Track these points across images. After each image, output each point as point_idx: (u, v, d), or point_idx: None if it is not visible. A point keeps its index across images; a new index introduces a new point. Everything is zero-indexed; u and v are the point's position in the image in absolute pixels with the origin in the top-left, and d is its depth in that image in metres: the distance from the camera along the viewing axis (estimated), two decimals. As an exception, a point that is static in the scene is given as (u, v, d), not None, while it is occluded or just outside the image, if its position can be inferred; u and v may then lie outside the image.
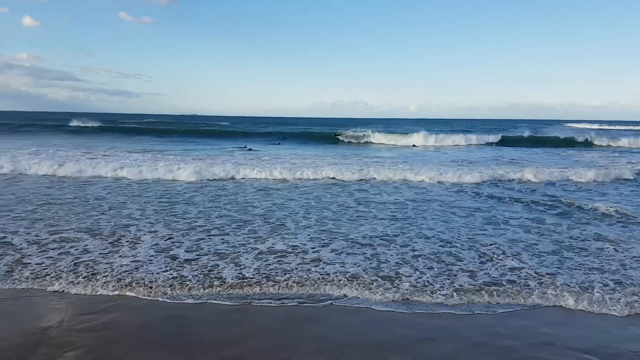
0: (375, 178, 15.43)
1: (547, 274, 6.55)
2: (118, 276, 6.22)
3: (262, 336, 4.77)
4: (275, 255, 7.23)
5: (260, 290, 5.88)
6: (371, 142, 36.94)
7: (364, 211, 10.47)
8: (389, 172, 15.98)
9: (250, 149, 28.41)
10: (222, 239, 8.06)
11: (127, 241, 7.79)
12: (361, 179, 15.21)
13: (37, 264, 6.62)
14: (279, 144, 34.29)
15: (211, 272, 6.43)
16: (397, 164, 19.78)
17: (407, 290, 5.91)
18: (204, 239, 8.03)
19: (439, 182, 15.02)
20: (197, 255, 7.16)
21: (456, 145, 35.50)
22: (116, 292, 5.75)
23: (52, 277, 6.14)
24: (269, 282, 6.08)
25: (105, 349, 4.50)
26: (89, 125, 47.53)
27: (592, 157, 25.45)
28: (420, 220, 9.61)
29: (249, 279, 6.19)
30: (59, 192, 12.31)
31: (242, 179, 15.06)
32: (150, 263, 6.75)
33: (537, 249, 7.72)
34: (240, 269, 6.57)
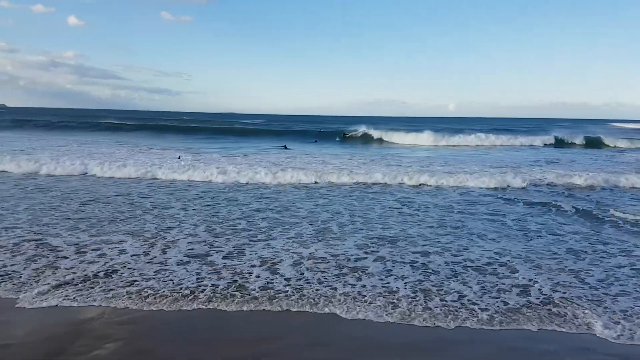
0: (427, 184, 14.66)
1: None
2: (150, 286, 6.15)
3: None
4: (316, 262, 7.07)
5: (287, 306, 5.56)
6: (390, 142, 36.12)
7: (410, 214, 10.26)
8: (440, 177, 15.25)
9: (285, 147, 29.17)
10: (268, 244, 7.97)
11: (165, 244, 7.82)
12: (401, 183, 14.80)
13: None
14: (315, 141, 34.15)
15: (244, 281, 6.26)
16: (434, 164, 19.34)
17: (454, 314, 5.46)
18: (247, 243, 7.96)
19: (467, 186, 14.52)
20: (238, 261, 7.06)
21: (499, 145, 34.53)
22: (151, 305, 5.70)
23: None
24: (300, 299, 5.75)
25: (142, 342, 4.63)
26: (131, 123, 48.53)
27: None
28: (469, 228, 9.32)
29: (281, 291, 5.95)
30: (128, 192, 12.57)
31: (279, 184, 14.48)
32: (183, 268, 6.73)
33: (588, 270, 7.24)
34: (272, 279, 6.35)
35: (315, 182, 14.61)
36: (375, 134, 38.03)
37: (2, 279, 6.08)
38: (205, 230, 8.61)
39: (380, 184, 14.55)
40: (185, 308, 5.38)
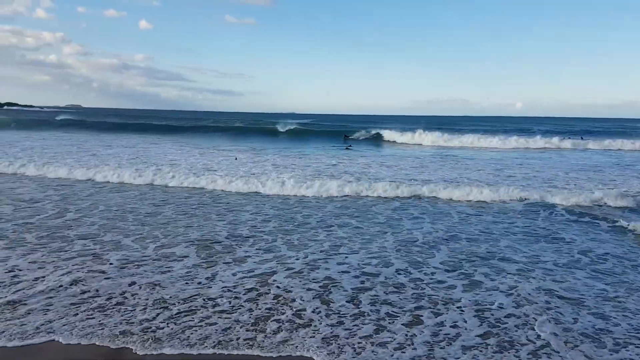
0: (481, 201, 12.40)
1: None
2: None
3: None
4: (387, 289, 6.23)
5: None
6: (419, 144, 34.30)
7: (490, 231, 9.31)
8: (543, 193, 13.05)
9: (349, 147, 29.83)
10: (346, 257, 7.42)
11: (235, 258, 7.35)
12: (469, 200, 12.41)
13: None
14: (350, 146, 32.63)
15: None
16: (508, 170, 18.09)
17: None
18: (322, 258, 7.40)
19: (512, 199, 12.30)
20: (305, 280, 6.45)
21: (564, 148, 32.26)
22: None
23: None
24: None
25: None
26: (207, 125, 49.47)
27: None
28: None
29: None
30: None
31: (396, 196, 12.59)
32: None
33: None
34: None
35: (414, 196, 12.54)
36: (388, 135, 36.71)
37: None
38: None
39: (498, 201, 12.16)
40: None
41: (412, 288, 6.22)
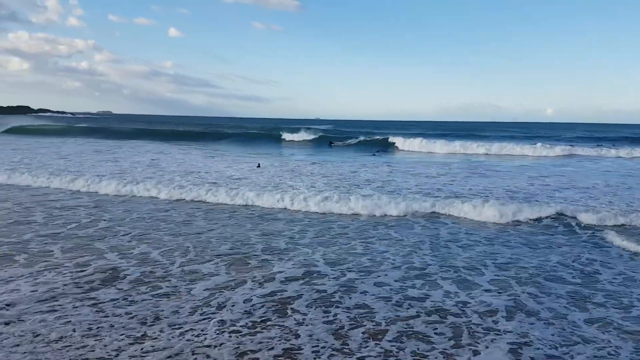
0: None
1: None
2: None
3: None
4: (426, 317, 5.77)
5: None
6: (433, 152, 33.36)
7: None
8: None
9: (376, 153, 30.36)
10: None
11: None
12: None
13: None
14: (376, 153, 32.17)
15: None
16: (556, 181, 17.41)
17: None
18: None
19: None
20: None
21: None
22: None
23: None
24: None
25: None
26: (222, 131, 49.99)
27: None
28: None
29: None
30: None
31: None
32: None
33: None
34: None
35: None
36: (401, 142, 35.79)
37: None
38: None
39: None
40: None
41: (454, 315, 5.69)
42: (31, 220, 10.22)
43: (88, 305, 5.81)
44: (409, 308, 5.85)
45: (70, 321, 5.36)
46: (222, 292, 6.33)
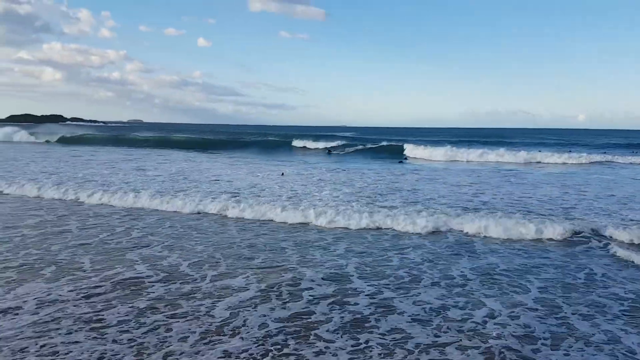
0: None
1: None
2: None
3: None
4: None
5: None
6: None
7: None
8: None
9: (403, 160, 30.75)
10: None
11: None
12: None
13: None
14: (403, 160, 31.84)
15: None
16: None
17: None
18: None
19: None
20: None
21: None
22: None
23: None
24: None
25: None
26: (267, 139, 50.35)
27: None
28: None
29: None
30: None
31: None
32: None
33: None
34: None
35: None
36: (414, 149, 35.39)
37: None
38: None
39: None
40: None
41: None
42: (65, 230, 10.28)
43: (88, 330, 5.41)
44: (447, 331, 5.49)
45: (57, 351, 4.93)
46: (242, 312, 5.97)
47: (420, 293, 6.68)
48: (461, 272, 7.64)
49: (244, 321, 5.70)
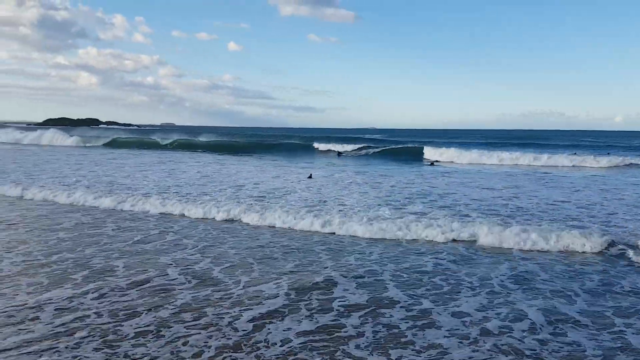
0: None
1: None
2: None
3: None
4: None
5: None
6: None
7: None
8: None
9: (435, 162, 30.50)
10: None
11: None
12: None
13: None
14: (434, 163, 31.35)
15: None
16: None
17: None
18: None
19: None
20: None
21: None
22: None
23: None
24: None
25: None
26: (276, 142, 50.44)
27: None
28: None
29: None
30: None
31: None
32: None
33: None
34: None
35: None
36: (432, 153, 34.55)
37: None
38: None
39: None
40: None
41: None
42: (101, 233, 10.41)
43: (99, 343, 5.11)
44: (483, 345, 5.19)
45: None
46: (267, 324, 5.67)
47: (461, 304, 6.40)
48: (500, 280, 7.37)
49: (267, 335, 5.38)
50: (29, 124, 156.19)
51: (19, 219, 11.77)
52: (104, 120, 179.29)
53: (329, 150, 42.13)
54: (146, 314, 6.01)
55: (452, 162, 32.08)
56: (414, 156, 35.03)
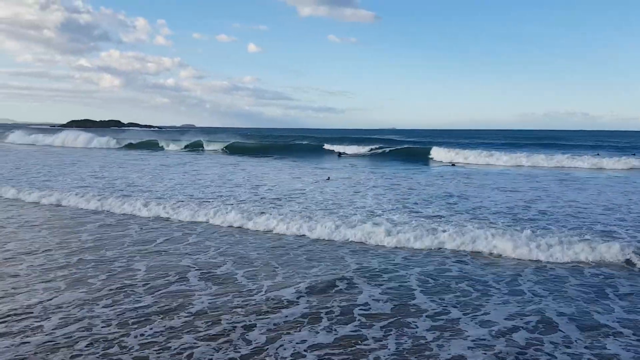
0: None
1: None
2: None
3: None
4: None
5: None
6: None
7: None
8: None
9: (455, 164, 30.19)
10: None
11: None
12: None
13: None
14: (454, 164, 30.78)
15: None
16: None
17: None
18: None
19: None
20: None
21: None
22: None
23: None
24: None
25: None
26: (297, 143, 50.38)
27: None
28: None
29: None
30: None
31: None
32: None
33: None
34: None
35: None
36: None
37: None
38: None
39: None
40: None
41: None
42: (126, 234, 10.48)
43: (98, 356, 4.85)
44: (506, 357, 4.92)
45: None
46: (282, 335, 5.37)
47: (490, 312, 6.16)
48: (529, 286, 7.16)
49: (277, 349, 5.04)
50: (52, 125, 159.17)
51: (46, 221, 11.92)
52: (125, 122, 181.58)
53: (332, 151, 41.49)
54: (158, 322, 5.75)
55: (468, 162, 31.63)
56: (422, 156, 34.76)
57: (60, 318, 5.85)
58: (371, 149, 40.28)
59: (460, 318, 5.96)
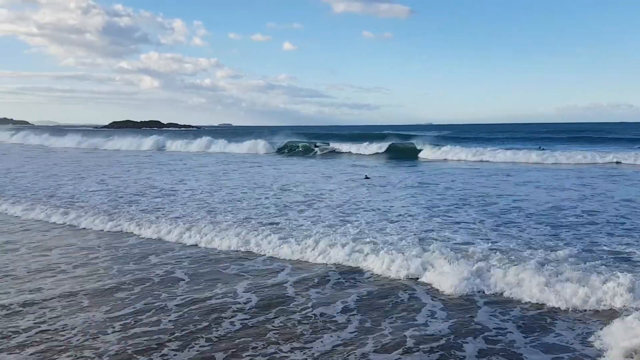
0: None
1: None
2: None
3: None
4: None
5: None
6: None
7: None
8: None
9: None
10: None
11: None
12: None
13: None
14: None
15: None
16: None
17: None
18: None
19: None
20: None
21: None
22: None
23: None
24: None
25: None
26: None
27: None
28: None
29: None
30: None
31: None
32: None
33: None
34: None
35: None
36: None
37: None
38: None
39: None
40: None
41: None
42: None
43: None
44: None
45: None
46: None
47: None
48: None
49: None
50: (95, 126, 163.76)
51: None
52: (165, 122, 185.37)
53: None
54: (174, 351, 4.87)
55: (480, 160, 30.75)
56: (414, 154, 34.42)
57: (61, 340, 5.26)
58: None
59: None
